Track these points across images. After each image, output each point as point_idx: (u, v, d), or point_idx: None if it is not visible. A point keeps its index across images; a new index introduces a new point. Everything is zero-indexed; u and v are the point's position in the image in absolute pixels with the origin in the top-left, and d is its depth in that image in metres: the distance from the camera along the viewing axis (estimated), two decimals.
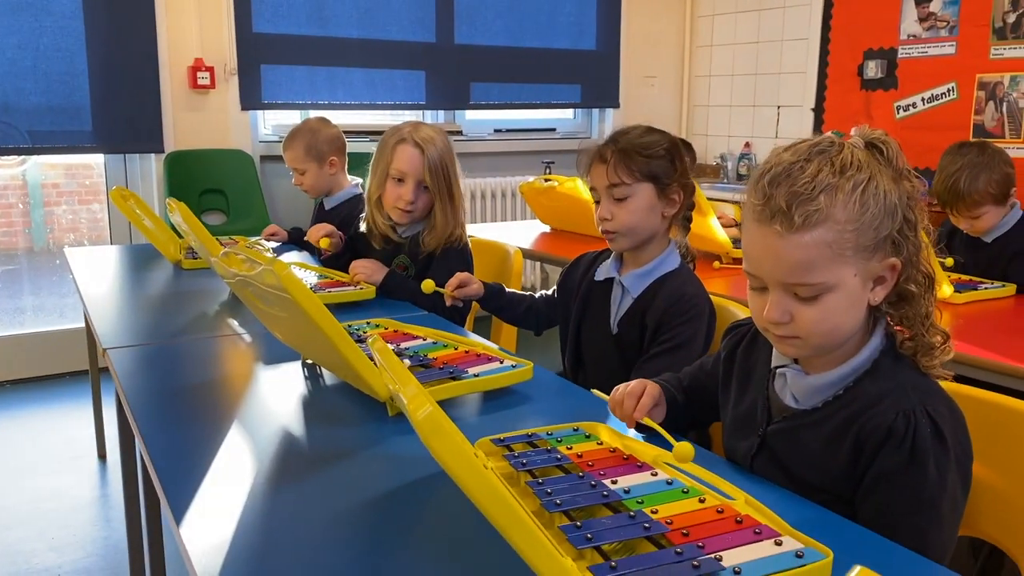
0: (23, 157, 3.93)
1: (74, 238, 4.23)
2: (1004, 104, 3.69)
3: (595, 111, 5.15)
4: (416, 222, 2.21)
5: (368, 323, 1.75)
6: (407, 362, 1.50)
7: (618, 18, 4.96)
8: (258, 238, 2.96)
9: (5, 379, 3.81)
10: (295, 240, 2.97)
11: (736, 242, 2.73)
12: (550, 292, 1.98)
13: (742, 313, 1.70)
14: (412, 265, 2.23)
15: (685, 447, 1.03)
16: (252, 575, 0.88)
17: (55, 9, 3.62)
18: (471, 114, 4.79)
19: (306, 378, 1.52)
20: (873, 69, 4.18)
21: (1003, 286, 2.27)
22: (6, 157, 3.86)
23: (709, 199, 3.34)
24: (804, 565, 0.85)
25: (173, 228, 2.67)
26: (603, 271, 1.78)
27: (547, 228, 3.51)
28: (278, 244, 2.95)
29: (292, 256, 2.72)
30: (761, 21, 4.76)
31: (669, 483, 1.02)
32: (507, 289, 1.99)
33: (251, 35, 4.03)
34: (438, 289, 1.89)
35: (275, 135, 4.27)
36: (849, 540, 0.95)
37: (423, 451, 0.77)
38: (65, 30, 3.66)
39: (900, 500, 1.01)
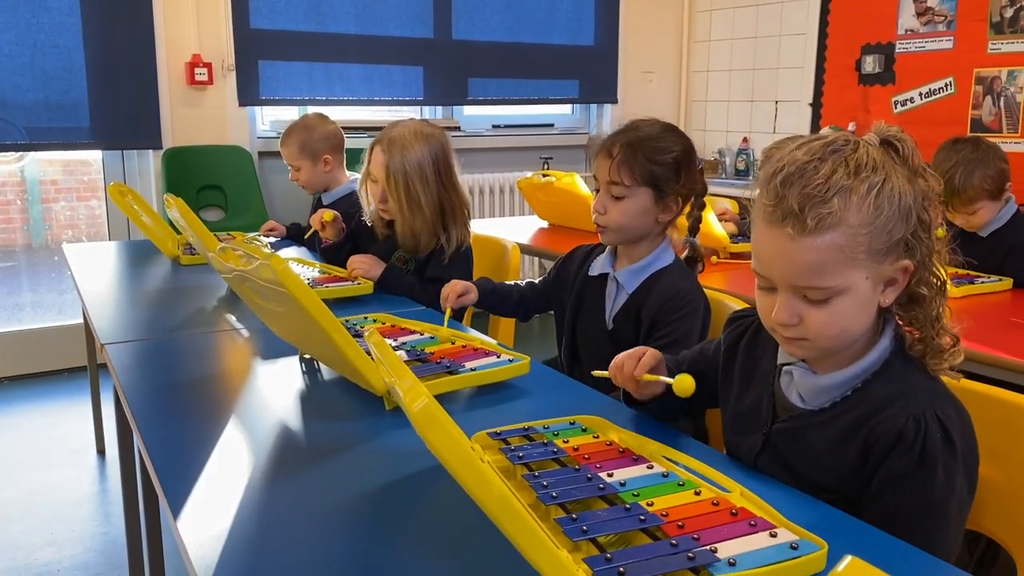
0: (21, 153, 3.92)
1: (72, 234, 4.23)
2: (1002, 99, 3.69)
3: (593, 107, 5.15)
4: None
5: (366, 318, 1.76)
6: (404, 356, 1.50)
7: (616, 13, 4.96)
8: (256, 234, 2.96)
9: (4, 375, 3.82)
10: (293, 236, 2.98)
11: (733, 237, 2.74)
12: (538, 281, 1.98)
13: (739, 308, 1.71)
14: (412, 259, 2.23)
15: (685, 378, 1.04)
16: (249, 567, 0.88)
17: (52, 5, 3.62)
18: (469, 110, 4.79)
19: (303, 373, 1.52)
20: (871, 64, 4.17)
21: (999, 280, 2.28)
22: (4, 154, 3.85)
23: (708, 194, 3.35)
24: (799, 557, 0.85)
25: (171, 224, 2.67)
26: (597, 266, 1.78)
27: (545, 224, 3.51)
28: (276, 240, 2.95)
29: (290, 252, 2.72)
30: (759, 16, 4.76)
31: (665, 476, 1.03)
32: (496, 284, 1.98)
33: (248, 31, 4.03)
34: (443, 309, 1.84)
35: (273, 131, 4.27)
36: (846, 534, 0.95)
37: (420, 445, 0.77)
38: (62, 26, 3.65)
39: (908, 504, 1.00)
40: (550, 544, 0.76)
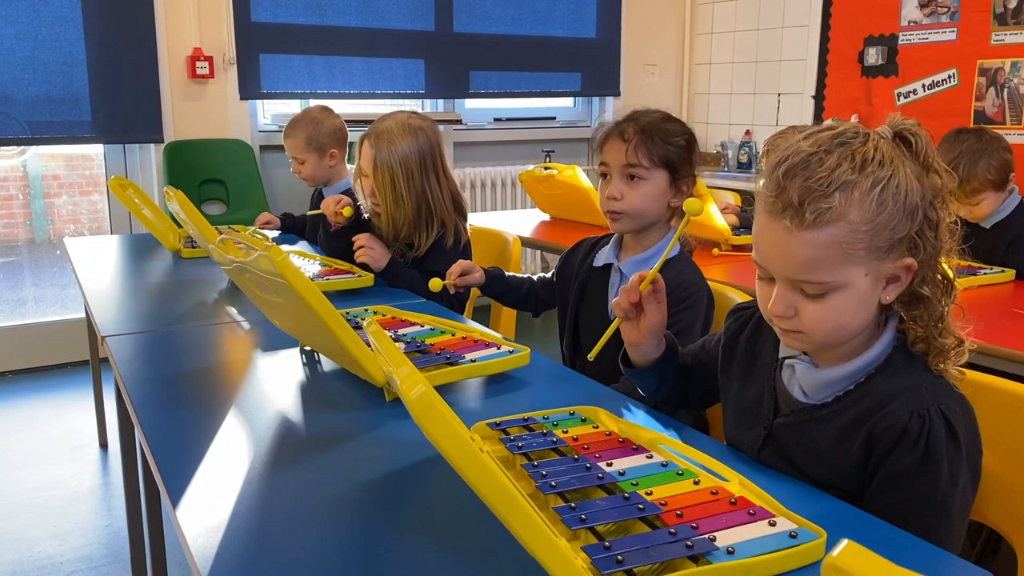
0: (23, 148, 3.93)
1: (75, 229, 4.24)
2: (1005, 90, 3.68)
3: (595, 99, 5.14)
4: None
5: (366, 310, 1.76)
6: (403, 347, 1.50)
7: (618, 6, 4.95)
8: (254, 228, 2.96)
9: (7, 370, 3.83)
10: (287, 226, 2.97)
11: (735, 229, 2.73)
12: (549, 275, 1.98)
13: (741, 300, 1.70)
14: (409, 253, 2.23)
15: (694, 200, 1.05)
16: (249, 558, 0.88)
17: None
18: (471, 103, 4.78)
19: (304, 365, 1.52)
20: (874, 56, 4.16)
21: (1002, 271, 2.27)
22: (5, 148, 3.86)
23: (709, 187, 3.34)
24: (798, 545, 0.85)
25: (172, 218, 2.67)
26: (602, 257, 1.78)
27: (546, 217, 3.51)
28: (277, 233, 2.95)
29: (290, 245, 2.72)
30: (761, 8, 4.74)
31: (664, 465, 1.02)
32: (507, 273, 1.99)
33: (250, 24, 4.02)
34: (444, 283, 1.87)
35: (274, 125, 4.27)
36: (842, 522, 0.95)
37: (420, 436, 0.77)
38: (63, 19, 3.65)
39: (912, 500, 0.99)
40: (548, 532, 0.76)
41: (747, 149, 4.82)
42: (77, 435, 3.13)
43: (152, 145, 3.96)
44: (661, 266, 1.24)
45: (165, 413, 1.30)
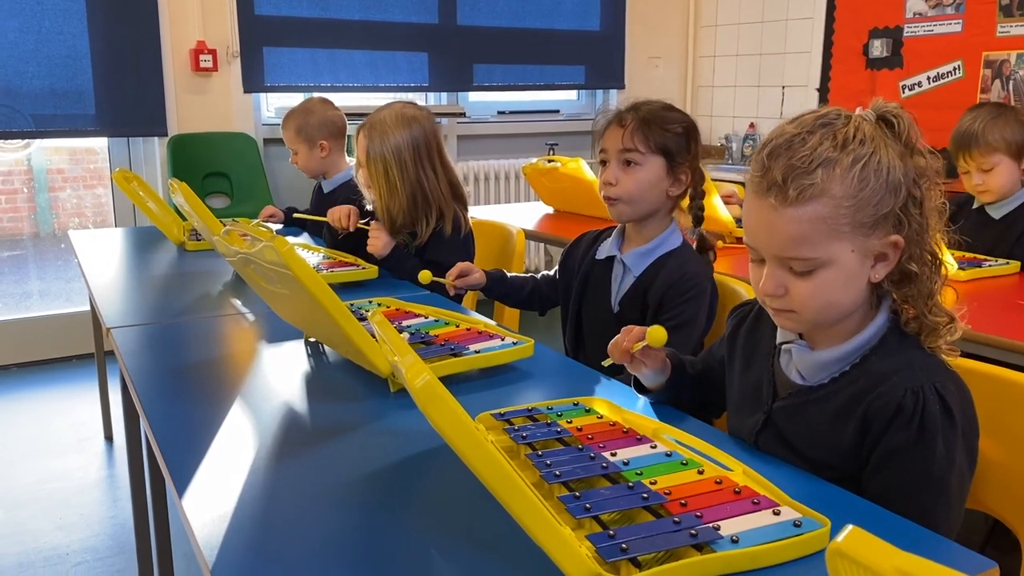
0: (27, 141, 3.93)
1: (79, 222, 4.24)
2: (1011, 82, 3.67)
3: (599, 92, 5.13)
4: None
5: (371, 302, 1.76)
6: (406, 336, 1.51)
7: None
8: (257, 220, 2.96)
9: (13, 362, 3.84)
10: (291, 220, 2.97)
11: (739, 220, 2.73)
12: (552, 272, 1.97)
13: (745, 291, 1.70)
14: (411, 244, 2.23)
15: (657, 329, 1.05)
16: (254, 548, 0.89)
17: None
18: (474, 96, 4.77)
19: (309, 356, 1.53)
20: (878, 48, 4.15)
21: (1007, 263, 2.26)
22: (10, 141, 3.86)
23: (713, 179, 3.33)
24: (802, 534, 0.85)
25: (176, 210, 2.68)
26: (604, 249, 1.78)
27: (550, 210, 3.51)
28: (280, 226, 2.95)
29: (295, 238, 2.72)
30: (765, 1, 4.73)
31: (668, 455, 1.03)
32: (509, 274, 1.98)
33: (253, 17, 4.02)
34: (437, 280, 1.87)
35: (278, 118, 4.26)
36: (846, 511, 0.95)
37: (425, 425, 0.77)
38: (67, 12, 3.65)
39: (908, 477, 1.00)
40: (553, 521, 0.77)
41: (751, 142, 4.81)
42: (82, 427, 3.14)
43: (156, 138, 3.96)
44: (652, 340, 1.19)
45: (170, 405, 1.31)
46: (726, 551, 0.82)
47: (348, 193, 2.60)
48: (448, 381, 1.36)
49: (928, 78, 3.99)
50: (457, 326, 1.58)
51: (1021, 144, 2.35)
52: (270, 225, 2.91)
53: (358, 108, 3.99)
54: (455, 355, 1.42)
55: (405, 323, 1.61)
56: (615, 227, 1.79)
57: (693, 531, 0.84)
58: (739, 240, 2.65)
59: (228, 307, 1.91)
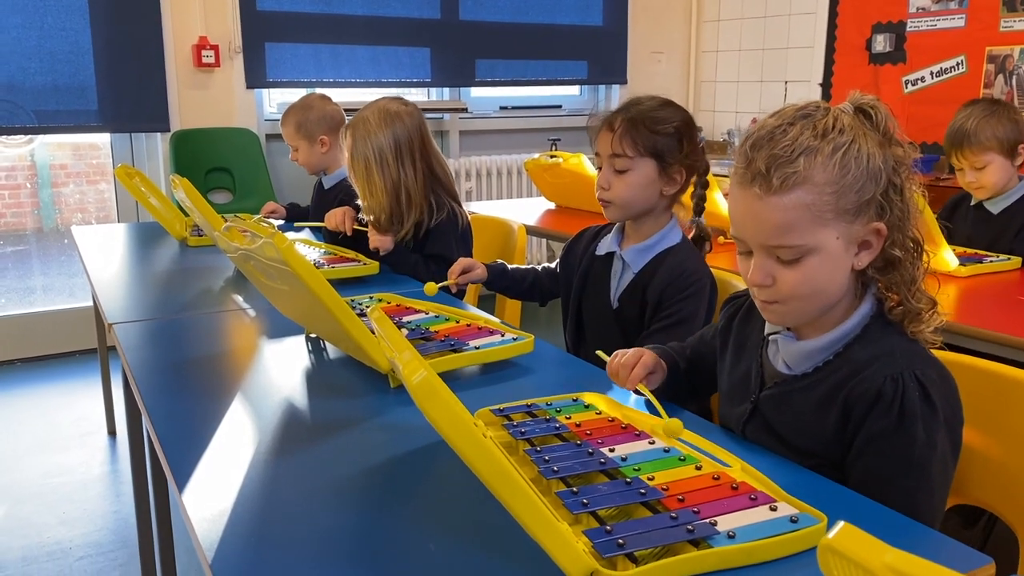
0: (30, 137, 3.94)
1: (82, 218, 4.25)
2: (1013, 77, 3.66)
3: (601, 87, 5.12)
4: None
5: (371, 298, 1.76)
6: (406, 332, 1.51)
7: None
8: (260, 216, 2.96)
9: (16, 357, 3.85)
10: (293, 215, 2.98)
11: None
12: (553, 265, 1.98)
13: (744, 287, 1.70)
14: (410, 240, 2.23)
15: (674, 423, 1.04)
16: (254, 543, 0.89)
17: None
18: (476, 91, 4.77)
19: (309, 352, 1.53)
20: (881, 43, 4.14)
21: (1008, 259, 2.26)
22: (13, 137, 3.87)
23: (715, 175, 3.33)
24: (798, 530, 0.85)
25: (179, 206, 2.68)
26: (604, 245, 1.78)
27: (552, 205, 3.51)
28: (282, 222, 2.96)
29: (296, 234, 2.72)
30: None
31: (666, 451, 1.03)
32: (509, 267, 1.98)
33: (255, 13, 4.02)
34: (442, 285, 1.84)
35: (280, 114, 4.25)
36: (842, 505, 0.96)
37: (424, 421, 0.78)
38: (69, 8, 3.65)
39: (889, 463, 1.02)
40: (550, 516, 0.77)
41: None
42: (85, 422, 3.15)
43: (158, 134, 3.97)
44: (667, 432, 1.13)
45: (172, 400, 1.31)
46: (722, 547, 0.82)
47: (348, 189, 2.60)
48: (448, 377, 1.36)
49: (931, 73, 3.98)
50: (457, 322, 1.59)
51: (1013, 142, 2.35)
52: (271, 221, 2.92)
53: (362, 104, 3.99)
54: (455, 351, 1.42)
55: (405, 319, 1.61)
56: (615, 223, 1.79)
57: (690, 527, 0.85)
58: None
59: (229, 303, 1.91)
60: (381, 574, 0.83)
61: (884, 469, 1.02)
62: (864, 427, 1.03)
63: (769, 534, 0.85)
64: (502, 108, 4.85)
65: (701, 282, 1.66)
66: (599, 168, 1.71)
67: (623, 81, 5.02)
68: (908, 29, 4.04)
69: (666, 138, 1.63)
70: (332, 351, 1.52)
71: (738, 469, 0.98)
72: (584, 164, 3.19)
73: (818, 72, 4.46)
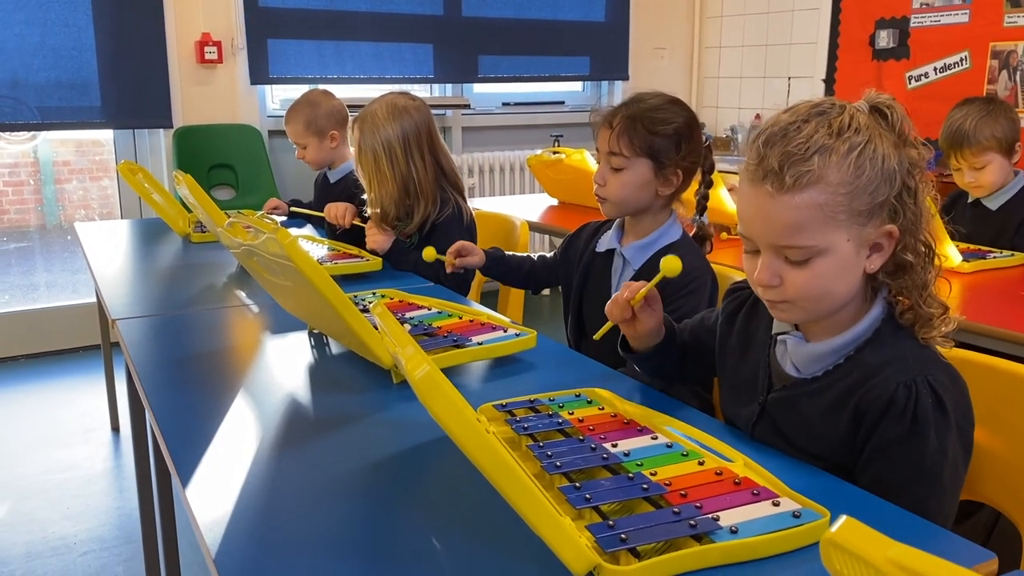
0: (33, 133, 3.94)
1: (85, 214, 4.26)
2: (1017, 73, 3.65)
3: (604, 83, 5.12)
4: None
5: (374, 294, 1.77)
6: (409, 328, 1.51)
7: None
8: (263, 212, 2.96)
9: (19, 354, 3.86)
10: (296, 212, 2.98)
11: None
12: (550, 255, 1.98)
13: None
14: (416, 233, 2.24)
15: (672, 259, 1.10)
16: (258, 538, 0.89)
17: None
18: (479, 87, 4.77)
19: (312, 347, 1.53)
20: (885, 39, 4.13)
21: (1012, 255, 2.26)
22: (16, 133, 3.87)
23: (719, 171, 3.32)
24: (800, 525, 0.86)
25: (182, 202, 2.68)
26: (604, 242, 1.78)
27: (555, 201, 3.50)
28: (284, 219, 2.96)
29: (299, 230, 2.72)
30: None
31: (669, 446, 1.03)
32: (507, 254, 1.99)
33: (258, 9, 4.02)
34: (439, 257, 1.90)
35: (283, 110, 4.24)
36: (846, 502, 0.96)
37: (427, 416, 0.78)
38: (72, 4, 3.65)
39: (900, 469, 1.00)
40: (553, 511, 0.77)
41: None
42: (89, 418, 3.16)
43: (161, 130, 3.97)
44: (656, 283, 1.22)
45: (175, 395, 1.31)
46: (725, 541, 0.82)
47: (355, 183, 2.61)
48: (451, 372, 1.36)
49: (935, 69, 3.97)
50: (460, 318, 1.59)
51: (1012, 140, 2.35)
52: (274, 217, 2.92)
53: (365, 100, 3.99)
54: (458, 347, 1.42)
55: (408, 315, 1.61)
56: (614, 219, 1.80)
57: (692, 522, 0.85)
58: None
59: (232, 299, 1.91)
60: (384, 569, 0.83)
61: (895, 475, 1.00)
62: (876, 433, 1.01)
63: (772, 529, 0.85)
64: (505, 104, 4.85)
65: (702, 279, 1.66)
66: (598, 163, 1.71)
67: (625, 77, 5.01)
68: (912, 25, 4.03)
69: (664, 139, 1.61)
70: (335, 347, 1.53)
71: (741, 465, 0.98)
72: (587, 160, 3.18)
73: (821, 68, 4.46)
